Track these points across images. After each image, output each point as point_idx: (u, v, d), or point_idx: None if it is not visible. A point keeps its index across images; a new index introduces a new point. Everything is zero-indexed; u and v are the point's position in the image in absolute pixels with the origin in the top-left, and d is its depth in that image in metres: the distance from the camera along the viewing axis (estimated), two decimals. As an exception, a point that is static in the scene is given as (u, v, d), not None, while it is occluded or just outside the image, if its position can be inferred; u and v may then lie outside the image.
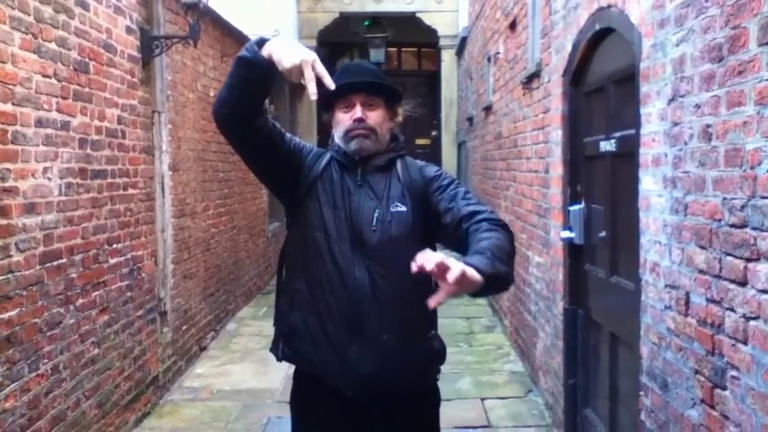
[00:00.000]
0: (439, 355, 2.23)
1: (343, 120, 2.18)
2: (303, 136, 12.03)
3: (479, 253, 1.87)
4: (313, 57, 1.96)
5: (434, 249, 2.22)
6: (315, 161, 2.23)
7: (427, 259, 1.68)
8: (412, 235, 2.12)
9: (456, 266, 1.66)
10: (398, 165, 2.23)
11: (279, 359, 2.26)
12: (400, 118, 2.30)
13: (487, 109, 7.37)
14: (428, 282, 2.14)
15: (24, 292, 3.08)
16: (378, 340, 2.08)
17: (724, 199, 2.02)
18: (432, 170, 2.25)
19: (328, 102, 2.22)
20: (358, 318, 2.08)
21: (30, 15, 3.13)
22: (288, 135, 2.26)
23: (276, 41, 1.99)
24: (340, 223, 2.13)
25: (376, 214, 2.12)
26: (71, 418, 3.51)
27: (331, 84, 1.98)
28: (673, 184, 2.39)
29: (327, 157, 2.26)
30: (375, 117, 2.18)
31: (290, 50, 1.97)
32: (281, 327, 2.24)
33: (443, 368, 2.31)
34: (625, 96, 3.01)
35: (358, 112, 2.16)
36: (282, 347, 2.24)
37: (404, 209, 2.14)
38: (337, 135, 2.22)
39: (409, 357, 2.13)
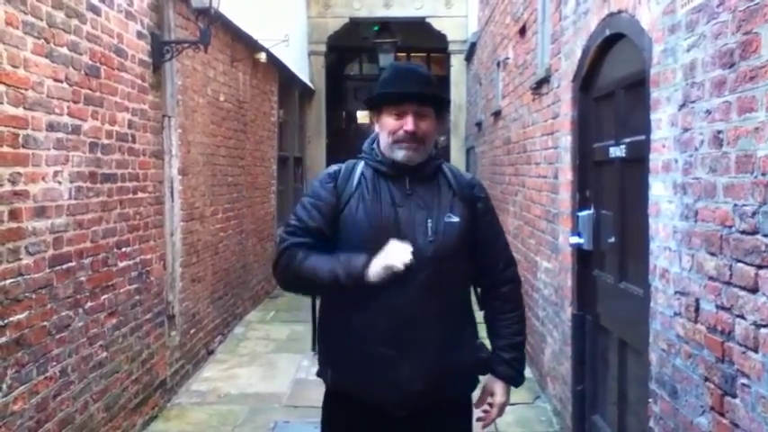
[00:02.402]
0: (487, 363, 2.25)
1: (393, 126, 2.12)
2: (312, 140, 12.06)
3: (503, 361, 2.27)
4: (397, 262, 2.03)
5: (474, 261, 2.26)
6: (345, 182, 2.16)
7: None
8: (462, 245, 2.13)
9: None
10: (446, 171, 2.21)
11: (328, 386, 2.25)
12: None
13: (496, 114, 7.37)
14: (470, 293, 2.25)
15: (34, 295, 3.09)
16: (429, 355, 2.06)
17: (735, 205, 2.01)
18: (481, 190, 2.27)
19: (376, 103, 2.19)
20: (408, 335, 2.05)
21: (42, 20, 3.15)
22: (319, 213, 2.13)
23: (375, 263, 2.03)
24: (382, 239, 2.04)
25: (429, 224, 2.09)
26: (79, 421, 3.52)
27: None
28: (683, 190, 2.38)
29: (359, 169, 2.18)
30: (425, 128, 2.13)
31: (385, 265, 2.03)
32: (326, 354, 2.22)
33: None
34: (635, 102, 3.00)
35: (410, 123, 2.10)
36: (331, 375, 2.21)
37: (456, 219, 2.12)
38: (383, 140, 2.16)
39: (460, 368, 2.15)
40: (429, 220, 2.09)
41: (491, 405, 2.28)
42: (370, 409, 2.13)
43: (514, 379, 2.28)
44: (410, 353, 2.05)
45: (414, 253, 2.02)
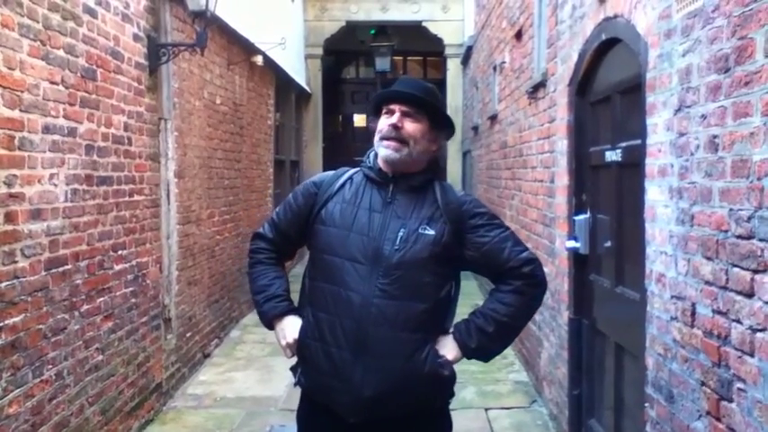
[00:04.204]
0: (447, 382, 2.15)
1: (381, 124, 2.17)
2: (308, 143, 12.06)
3: (468, 322, 2.16)
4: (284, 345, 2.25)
5: (454, 274, 2.22)
6: (329, 186, 2.22)
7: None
8: (433, 259, 2.09)
9: None
10: (436, 187, 2.19)
11: (295, 384, 2.28)
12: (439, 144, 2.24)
13: (493, 118, 7.38)
14: (439, 308, 2.14)
15: (29, 298, 3.08)
16: (383, 362, 2.04)
17: (731, 210, 2.01)
18: (474, 206, 2.20)
19: (375, 106, 2.24)
20: (363, 339, 2.05)
21: (38, 22, 3.15)
22: (290, 214, 2.29)
23: (277, 331, 2.27)
24: (351, 243, 2.10)
25: (401, 233, 2.09)
26: (74, 425, 3.50)
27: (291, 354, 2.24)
28: (679, 195, 2.38)
29: (347, 175, 2.24)
30: (411, 129, 2.13)
31: (277, 339, 2.27)
32: (298, 354, 2.23)
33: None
34: (631, 106, 3.01)
35: (395, 118, 2.14)
36: (300, 375, 2.24)
37: (431, 233, 2.10)
38: (375, 139, 2.21)
39: (414, 381, 2.07)
40: (402, 230, 2.09)
41: None
42: (335, 416, 2.13)
43: (463, 343, 2.13)
44: (364, 357, 2.05)
45: (378, 259, 2.07)
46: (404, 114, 2.14)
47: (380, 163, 2.19)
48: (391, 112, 2.16)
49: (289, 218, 2.30)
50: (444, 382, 2.14)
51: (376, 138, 2.19)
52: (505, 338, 2.21)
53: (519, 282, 2.13)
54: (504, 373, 5.56)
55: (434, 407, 2.19)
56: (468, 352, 2.14)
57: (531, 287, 2.16)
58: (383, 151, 2.14)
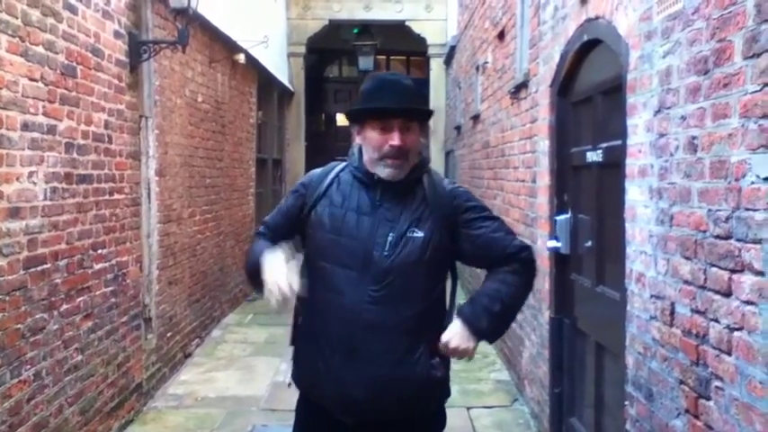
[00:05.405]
0: (440, 383, 2.15)
1: (379, 141, 2.06)
2: (291, 142, 12.01)
3: (472, 304, 2.10)
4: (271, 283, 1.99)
5: (447, 270, 2.21)
6: (317, 186, 2.18)
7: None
8: (423, 263, 2.06)
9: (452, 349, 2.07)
10: (425, 181, 2.14)
11: (288, 384, 2.29)
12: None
13: (475, 118, 7.40)
14: (432, 309, 2.12)
15: (7, 298, 3.04)
16: (374, 365, 2.04)
17: (709, 210, 2.03)
18: (465, 199, 2.17)
19: (360, 116, 2.14)
20: (354, 343, 2.04)
21: (17, 18, 3.11)
22: (280, 215, 2.29)
23: (264, 273, 2.01)
24: (341, 247, 2.07)
25: (390, 238, 2.05)
26: (53, 425, 3.46)
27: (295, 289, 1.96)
28: (659, 195, 2.41)
29: (335, 172, 2.19)
30: (411, 143, 2.08)
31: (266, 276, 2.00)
32: (293, 353, 2.25)
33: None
34: (612, 107, 3.03)
35: (396, 139, 2.04)
36: (293, 373, 2.26)
37: (420, 234, 2.06)
38: (368, 154, 2.11)
39: (406, 384, 2.07)
40: (390, 234, 2.05)
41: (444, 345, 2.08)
42: (329, 417, 2.15)
43: (472, 318, 2.05)
44: (354, 360, 2.05)
45: (367, 264, 2.04)
46: (401, 129, 2.06)
47: (374, 171, 2.12)
48: (387, 128, 2.05)
49: (278, 219, 2.30)
50: (437, 384, 2.13)
51: (373, 154, 2.09)
52: (508, 319, 2.21)
53: (517, 264, 2.15)
54: (485, 372, 5.58)
55: (428, 408, 2.18)
56: (481, 333, 2.07)
57: (529, 271, 2.20)
58: (387, 171, 2.07)
